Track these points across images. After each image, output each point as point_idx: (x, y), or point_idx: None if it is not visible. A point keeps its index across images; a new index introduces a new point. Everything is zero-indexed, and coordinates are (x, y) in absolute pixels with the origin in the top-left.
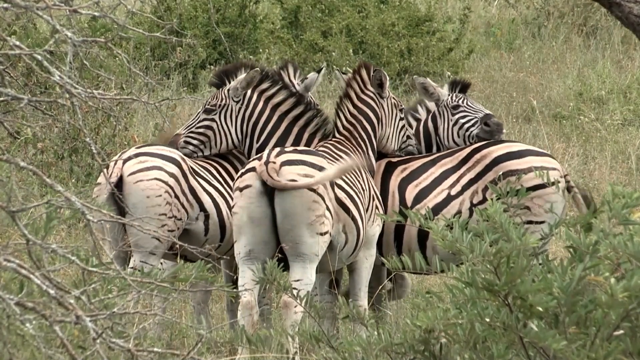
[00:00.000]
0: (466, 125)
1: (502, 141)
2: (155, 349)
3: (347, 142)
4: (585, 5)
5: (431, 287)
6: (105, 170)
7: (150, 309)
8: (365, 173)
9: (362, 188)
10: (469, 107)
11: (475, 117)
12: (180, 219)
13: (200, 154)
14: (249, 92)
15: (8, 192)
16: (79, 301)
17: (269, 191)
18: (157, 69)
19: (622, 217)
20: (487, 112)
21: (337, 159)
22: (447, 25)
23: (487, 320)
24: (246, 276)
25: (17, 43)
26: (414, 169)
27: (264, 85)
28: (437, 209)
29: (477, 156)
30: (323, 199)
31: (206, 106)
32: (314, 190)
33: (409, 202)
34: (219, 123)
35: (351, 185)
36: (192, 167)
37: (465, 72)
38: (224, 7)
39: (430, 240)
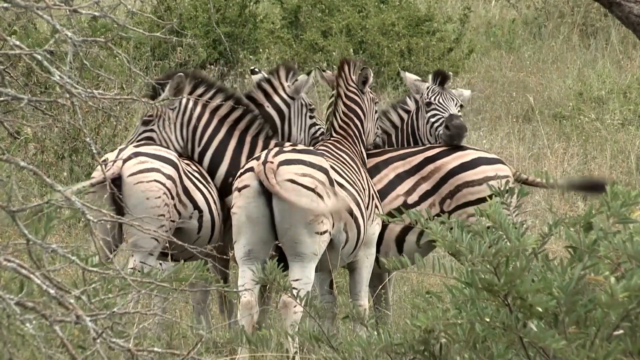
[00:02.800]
0: (435, 125)
1: (455, 147)
2: (155, 349)
3: (344, 140)
4: (585, 5)
5: (431, 287)
6: (103, 167)
7: (150, 309)
8: (364, 172)
9: (362, 187)
10: (439, 105)
11: (443, 117)
12: (173, 220)
13: None
14: (184, 99)
15: (8, 192)
16: (79, 301)
17: (267, 191)
18: (157, 69)
19: (621, 215)
20: (452, 112)
21: (336, 159)
22: (447, 25)
23: (487, 320)
24: (246, 276)
25: (17, 43)
26: (367, 169)
27: (199, 91)
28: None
29: (431, 167)
30: (322, 198)
31: (143, 118)
32: (312, 190)
33: None
34: (158, 132)
35: (352, 183)
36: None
37: (465, 72)
38: (224, 7)
39: (407, 243)
